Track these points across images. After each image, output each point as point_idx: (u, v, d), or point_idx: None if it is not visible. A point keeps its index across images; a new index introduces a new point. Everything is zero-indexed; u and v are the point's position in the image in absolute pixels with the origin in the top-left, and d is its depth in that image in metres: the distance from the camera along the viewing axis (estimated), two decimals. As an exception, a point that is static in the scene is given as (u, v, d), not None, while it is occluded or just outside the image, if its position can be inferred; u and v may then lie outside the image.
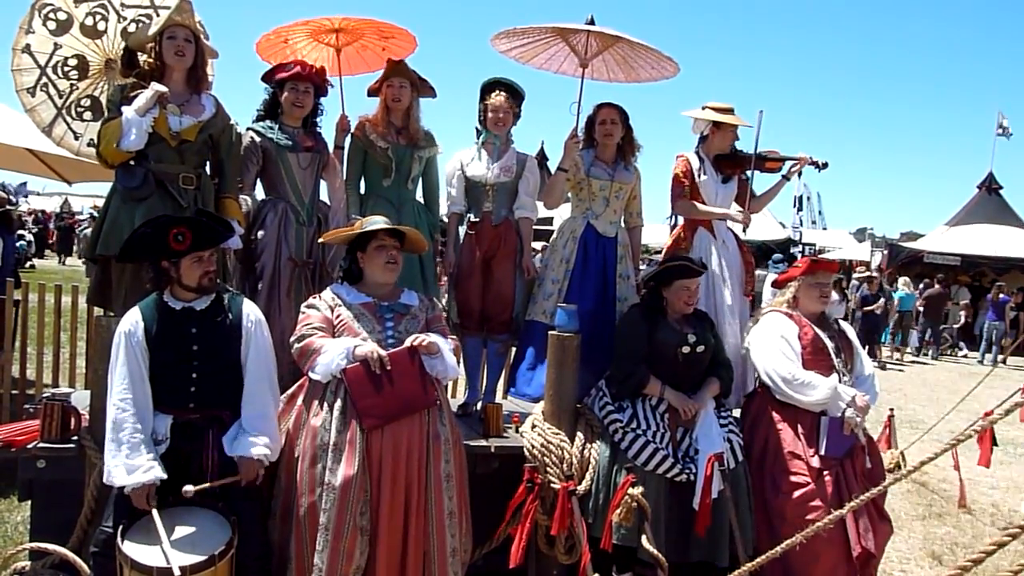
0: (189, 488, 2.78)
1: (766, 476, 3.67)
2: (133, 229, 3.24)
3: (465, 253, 4.23)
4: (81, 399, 3.63)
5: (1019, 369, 13.15)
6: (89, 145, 3.94)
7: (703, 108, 4.32)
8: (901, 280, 15.70)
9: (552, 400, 3.69)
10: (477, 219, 4.22)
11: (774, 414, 3.74)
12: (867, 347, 13.52)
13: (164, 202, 3.48)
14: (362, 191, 4.17)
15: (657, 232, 14.56)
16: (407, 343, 3.10)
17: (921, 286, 16.27)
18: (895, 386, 11.38)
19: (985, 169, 19.98)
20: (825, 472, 3.56)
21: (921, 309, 15.81)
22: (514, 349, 4.38)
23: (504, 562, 3.36)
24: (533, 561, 3.62)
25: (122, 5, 4.06)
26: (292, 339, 3.19)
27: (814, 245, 22.47)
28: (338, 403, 3.03)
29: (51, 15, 3.98)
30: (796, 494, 3.54)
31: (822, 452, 3.59)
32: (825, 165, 4.41)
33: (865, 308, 13.93)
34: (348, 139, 4.15)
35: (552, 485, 3.44)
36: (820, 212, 26.00)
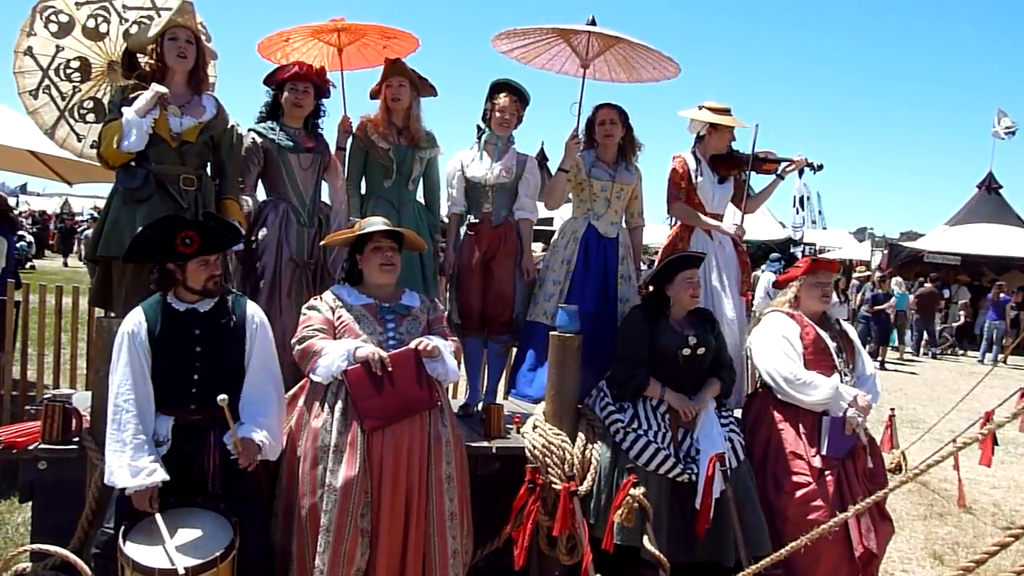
0: (224, 396, 2.79)
1: (768, 476, 3.67)
2: (134, 230, 3.24)
3: (465, 254, 4.23)
4: (82, 400, 3.63)
5: (1019, 368, 13.15)
6: (91, 147, 3.93)
7: (700, 108, 4.31)
8: (894, 280, 15.69)
9: (553, 401, 3.69)
10: (477, 220, 4.22)
11: (775, 414, 3.74)
12: (879, 347, 13.56)
13: (165, 203, 3.49)
14: (363, 192, 4.17)
15: (658, 232, 14.46)
16: (411, 346, 3.10)
17: (915, 285, 16.28)
18: (895, 386, 11.38)
19: (985, 169, 20.01)
20: (827, 472, 3.57)
21: (914, 308, 15.82)
22: (515, 350, 4.38)
23: (506, 563, 3.36)
24: (535, 562, 3.61)
25: (123, 7, 4.05)
26: (293, 341, 3.20)
27: (814, 245, 22.43)
28: (339, 405, 3.03)
29: (52, 17, 3.97)
30: (798, 494, 3.55)
31: (823, 452, 3.60)
32: (820, 167, 4.43)
33: (875, 308, 13.94)
34: (349, 140, 4.15)
35: (553, 486, 3.43)
36: (820, 212, 25.92)
